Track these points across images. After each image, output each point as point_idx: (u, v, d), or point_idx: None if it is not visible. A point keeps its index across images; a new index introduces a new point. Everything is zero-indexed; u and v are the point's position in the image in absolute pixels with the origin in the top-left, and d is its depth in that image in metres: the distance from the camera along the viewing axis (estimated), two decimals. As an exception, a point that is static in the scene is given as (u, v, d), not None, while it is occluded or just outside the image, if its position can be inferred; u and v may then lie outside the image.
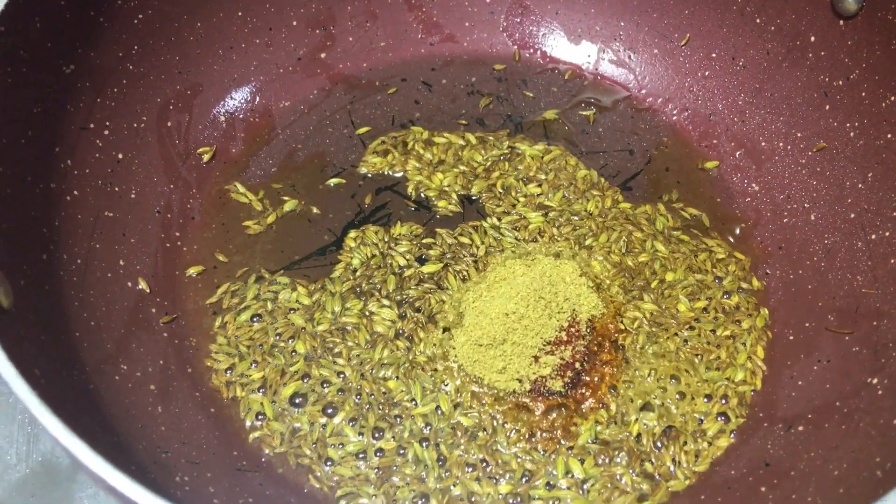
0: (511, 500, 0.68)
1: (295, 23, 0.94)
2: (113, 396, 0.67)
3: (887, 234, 0.73)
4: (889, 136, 0.74)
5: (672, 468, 0.70)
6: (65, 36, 0.74)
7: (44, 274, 0.68)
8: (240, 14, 0.90)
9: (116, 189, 0.79)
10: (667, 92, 0.94)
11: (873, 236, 0.75)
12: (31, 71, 0.70)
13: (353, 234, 0.83)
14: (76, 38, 0.76)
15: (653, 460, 0.70)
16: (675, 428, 0.72)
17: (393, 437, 0.71)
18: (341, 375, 0.74)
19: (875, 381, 0.67)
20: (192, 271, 0.80)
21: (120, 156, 0.80)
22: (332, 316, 0.78)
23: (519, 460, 0.70)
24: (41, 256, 0.69)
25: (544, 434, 0.72)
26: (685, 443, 0.71)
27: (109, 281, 0.75)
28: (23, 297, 0.62)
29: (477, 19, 0.99)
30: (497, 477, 0.70)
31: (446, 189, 0.86)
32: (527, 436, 0.71)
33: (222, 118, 0.89)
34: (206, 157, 0.87)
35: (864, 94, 0.76)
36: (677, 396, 0.73)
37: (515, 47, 0.99)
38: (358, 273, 0.80)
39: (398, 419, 0.72)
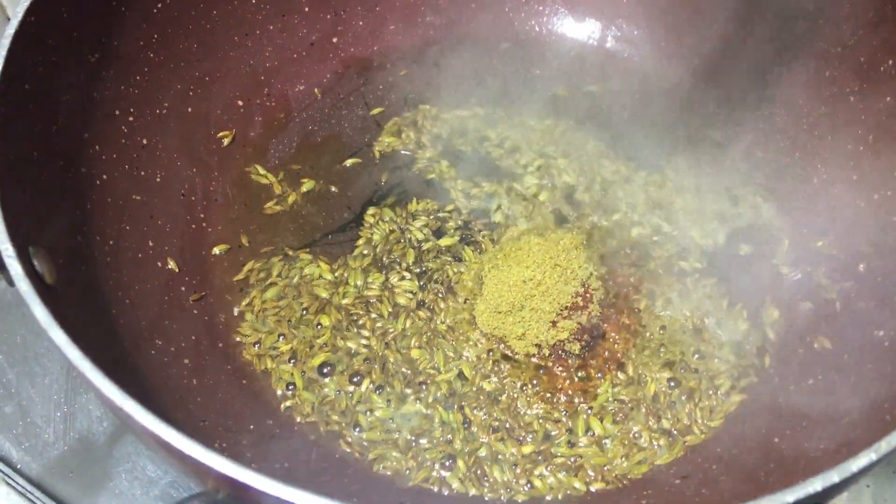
0: (535, 459, 0.71)
1: (307, 8, 0.96)
2: (151, 370, 0.70)
3: None
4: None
5: (688, 424, 0.73)
6: (89, 25, 0.76)
7: (80, 255, 0.71)
8: (253, 1, 0.92)
9: (143, 173, 0.81)
10: (671, 67, 0.97)
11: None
12: (60, 60, 0.73)
13: (371, 211, 0.86)
14: (99, 27, 0.78)
15: (669, 417, 0.73)
16: (689, 385, 0.75)
17: (419, 402, 0.74)
18: (366, 346, 0.77)
19: (881, 333, 0.70)
20: (218, 250, 0.83)
21: (144, 141, 0.82)
22: (355, 289, 0.80)
23: (540, 421, 0.73)
24: (77, 238, 0.72)
25: (564, 396, 0.74)
26: (699, 399, 0.74)
27: (140, 262, 0.77)
28: (63, 276, 0.65)
29: (482, 0, 1.01)
30: (521, 438, 0.72)
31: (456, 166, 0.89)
32: (547, 398, 0.74)
33: (240, 103, 0.92)
34: (226, 141, 0.89)
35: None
36: (695, 356, 0.76)
37: (521, 26, 1.01)
38: (378, 248, 0.83)
39: (423, 386, 0.75)
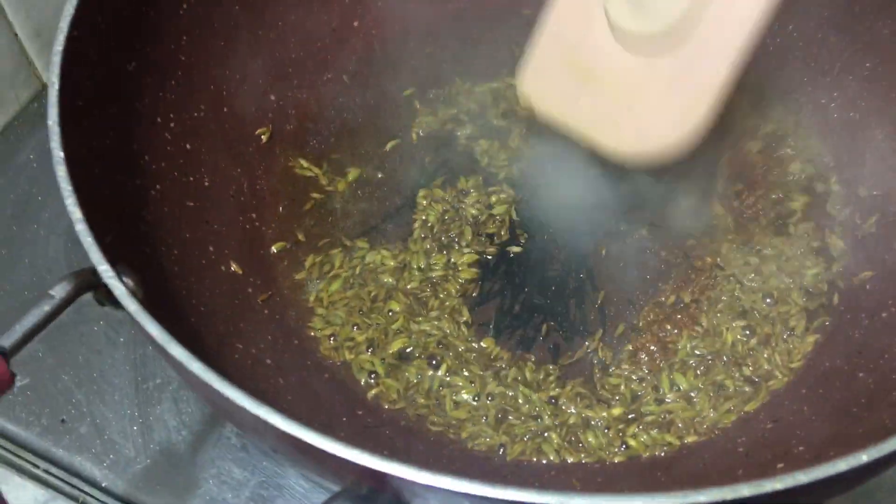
0: (626, 419, 0.72)
1: (325, -7, 0.95)
2: (238, 374, 0.70)
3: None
4: None
5: (769, 368, 0.74)
6: (125, 33, 0.75)
7: (150, 268, 0.70)
8: (273, -8, 0.91)
9: (192, 178, 0.81)
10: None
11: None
12: (103, 72, 0.72)
13: (422, 192, 0.86)
14: (133, 34, 0.77)
15: (749, 364, 0.74)
16: (765, 332, 0.76)
17: (500, 384, 0.74)
18: (439, 328, 0.77)
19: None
20: (276, 248, 0.83)
21: (188, 146, 0.81)
22: (419, 272, 0.80)
23: (626, 383, 0.74)
24: (145, 250, 0.71)
25: (644, 356, 0.75)
26: (776, 343, 0.75)
27: (205, 267, 0.77)
28: (145, 291, 0.64)
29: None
30: (608, 401, 0.73)
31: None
32: (628, 359, 0.75)
33: (272, 97, 0.91)
34: (264, 138, 0.88)
35: None
36: (765, 303, 0.77)
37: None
38: (435, 229, 0.83)
39: (501, 368, 0.75)
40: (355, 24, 0.97)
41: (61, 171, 0.58)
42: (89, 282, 0.57)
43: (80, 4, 0.68)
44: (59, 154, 0.59)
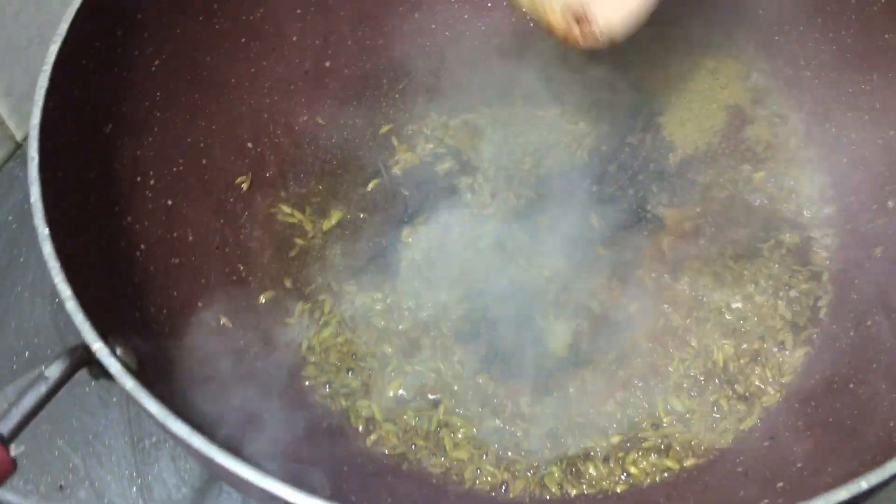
0: (625, 447, 0.73)
1: (295, 38, 0.95)
2: (236, 435, 0.69)
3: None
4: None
5: (760, 385, 0.75)
6: (99, 96, 0.75)
7: (142, 331, 0.70)
8: (243, 41, 0.91)
9: (175, 234, 0.81)
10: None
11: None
12: (81, 139, 0.71)
13: (406, 231, 0.86)
14: (107, 96, 0.76)
15: (741, 381, 0.75)
16: (754, 348, 0.77)
17: (498, 419, 0.75)
18: (434, 369, 0.77)
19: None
20: (264, 298, 0.83)
21: (170, 202, 0.81)
22: (409, 313, 0.81)
23: (622, 410, 0.75)
24: (135, 315, 0.71)
25: (637, 381, 0.76)
26: (766, 359, 0.76)
27: (195, 324, 0.77)
28: (139, 360, 0.64)
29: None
30: (606, 430, 0.74)
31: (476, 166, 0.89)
32: (622, 386, 0.76)
33: (250, 145, 0.91)
34: (245, 186, 0.88)
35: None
36: (753, 319, 0.78)
37: (510, 17, 1.02)
38: (422, 267, 0.83)
39: (498, 403, 0.76)
40: (327, 64, 0.98)
41: (48, 249, 0.58)
42: (84, 359, 0.57)
43: (53, 75, 0.68)
44: (44, 231, 0.59)
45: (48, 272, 0.90)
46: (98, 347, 0.54)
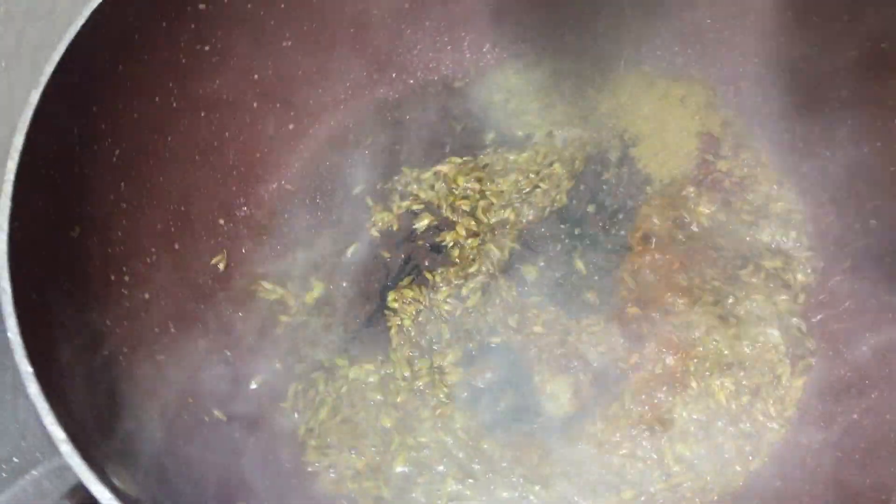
0: (637, 501, 0.73)
1: (255, 104, 0.93)
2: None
3: None
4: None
5: (764, 421, 0.75)
6: (64, 201, 0.72)
7: (136, 444, 0.68)
8: (202, 115, 0.89)
9: (156, 329, 0.78)
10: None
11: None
12: (51, 252, 0.69)
13: (392, 295, 0.85)
14: (71, 198, 0.74)
15: (745, 420, 0.75)
16: (754, 383, 0.77)
17: (508, 487, 0.74)
18: (436, 440, 0.76)
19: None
20: (255, 383, 0.81)
21: (146, 295, 0.79)
22: (405, 382, 0.79)
23: (630, 462, 0.74)
24: (127, 426, 0.69)
25: (644, 429, 0.76)
26: (767, 394, 0.76)
27: (188, 422, 0.75)
28: (137, 478, 0.62)
29: (422, 44, 1.00)
30: (617, 486, 0.74)
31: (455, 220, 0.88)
32: (628, 438, 0.75)
33: (221, 221, 0.89)
34: (221, 266, 0.86)
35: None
36: (749, 351, 0.78)
37: (467, 61, 1.00)
38: (412, 333, 0.82)
39: (505, 468, 0.75)
40: (290, 126, 0.96)
41: (33, 389, 0.56)
42: (86, 500, 0.55)
43: (15, 193, 0.65)
44: (27, 369, 0.56)
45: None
46: (98, 490, 0.52)
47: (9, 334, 0.59)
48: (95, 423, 0.63)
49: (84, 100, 0.75)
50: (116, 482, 0.58)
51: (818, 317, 0.80)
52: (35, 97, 0.69)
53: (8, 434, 0.89)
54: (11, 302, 0.60)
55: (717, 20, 0.91)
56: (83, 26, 0.73)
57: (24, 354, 0.57)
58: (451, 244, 0.87)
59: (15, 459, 0.88)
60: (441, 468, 0.75)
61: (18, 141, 0.67)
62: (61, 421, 0.56)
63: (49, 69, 0.71)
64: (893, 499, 0.60)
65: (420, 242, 0.88)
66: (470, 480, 0.74)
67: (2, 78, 0.98)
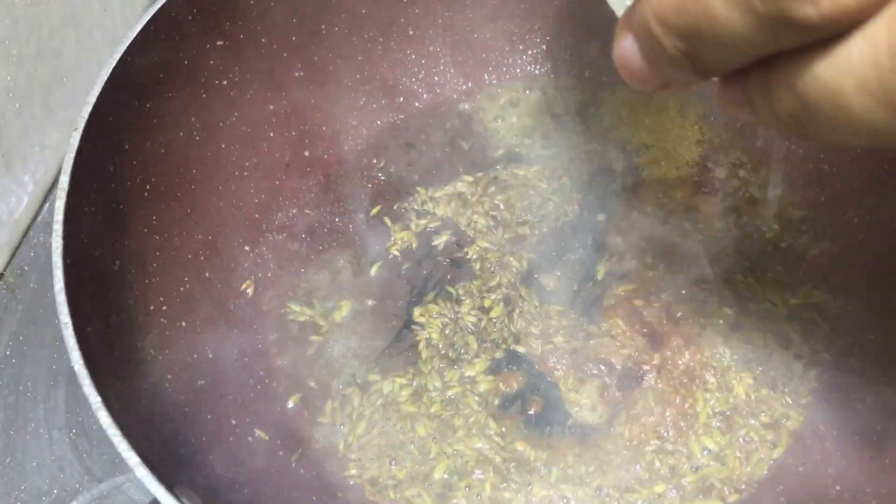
0: (668, 495, 0.76)
1: (272, 133, 0.96)
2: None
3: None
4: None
5: (783, 409, 0.79)
6: (104, 236, 0.75)
7: (192, 463, 0.71)
8: (223, 146, 0.92)
9: (195, 356, 0.81)
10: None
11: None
12: (96, 285, 0.72)
13: (417, 311, 0.88)
14: (110, 233, 0.77)
15: (765, 410, 0.79)
16: (771, 375, 0.81)
17: (544, 486, 0.77)
18: (472, 447, 0.80)
19: None
20: (292, 402, 0.84)
21: (183, 323, 0.82)
22: (437, 393, 0.83)
23: (659, 458, 0.78)
24: (180, 451, 0.71)
25: (670, 426, 0.79)
26: (784, 385, 0.80)
27: (233, 444, 0.78)
28: (201, 496, 0.65)
29: (426, 69, 1.03)
30: (648, 480, 0.77)
31: (470, 234, 0.92)
32: (654, 434, 0.79)
33: (247, 248, 0.92)
34: (250, 292, 0.89)
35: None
36: (764, 346, 0.82)
37: (471, 80, 1.04)
38: (441, 345, 0.85)
39: (542, 467, 0.78)
40: (306, 153, 0.99)
41: (104, 418, 0.59)
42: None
43: (65, 231, 0.68)
44: (97, 400, 0.59)
45: (58, 403, 0.91)
46: (174, 508, 0.55)
47: (74, 366, 0.61)
48: (155, 446, 0.65)
49: (118, 138, 0.78)
50: (184, 501, 0.61)
51: (830, 307, 0.84)
52: (76, 138, 0.72)
53: (46, 467, 0.91)
54: (74, 336, 0.62)
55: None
56: (114, 68, 0.76)
57: (91, 385, 0.60)
58: (471, 259, 0.90)
59: (55, 492, 0.90)
60: (479, 473, 0.78)
61: (64, 181, 0.70)
62: (132, 445, 0.58)
63: (86, 111, 0.74)
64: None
65: (440, 259, 0.91)
66: (508, 483, 0.77)
67: (17, 119, 1.00)
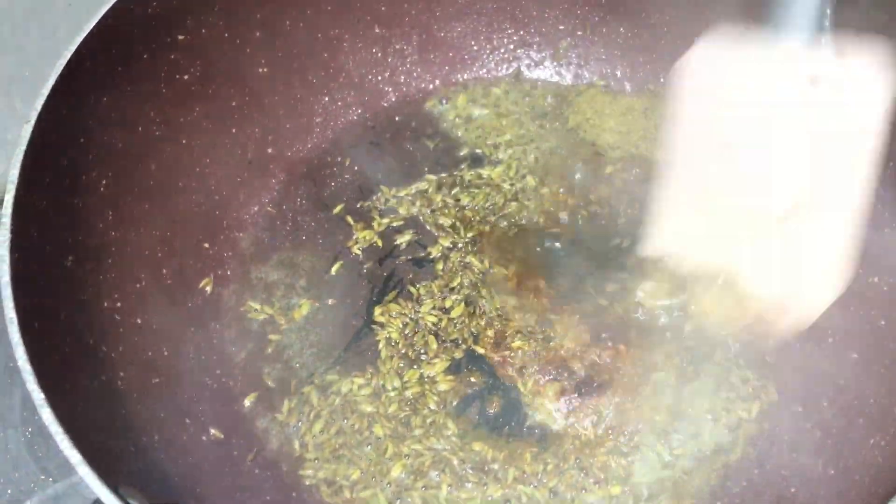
0: (624, 494, 0.76)
1: (234, 130, 0.95)
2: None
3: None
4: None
5: (743, 414, 0.79)
6: (57, 231, 0.74)
7: (141, 464, 0.70)
8: (183, 142, 0.91)
9: (150, 353, 0.80)
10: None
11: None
12: (47, 279, 0.71)
13: (378, 310, 0.88)
14: (64, 228, 0.76)
15: (723, 415, 0.79)
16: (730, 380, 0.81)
17: (500, 485, 0.77)
18: (428, 447, 0.79)
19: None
20: (249, 402, 0.83)
21: (138, 321, 0.81)
22: (395, 393, 0.82)
23: (614, 459, 0.78)
24: (130, 449, 0.70)
25: (626, 432, 0.79)
26: (737, 389, 0.80)
27: (187, 443, 0.77)
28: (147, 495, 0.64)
29: (392, 68, 1.03)
30: (604, 480, 0.77)
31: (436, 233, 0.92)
32: (609, 436, 0.79)
33: (206, 245, 0.91)
34: (209, 289, 0.88)
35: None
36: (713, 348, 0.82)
37: (437, 81, 1.04)
38: (400, 345, 0.85)
39: (498, 467, 0.78)
40: (269, 150, 0.98)
41: (47, 415, 0.58)
42: (103, 520, 0.56)
43: (13, 224, 0.67)
44: (39, 396, 0.58)
45: (15, 403, 0.89)
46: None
47: (19, 363, 0.60)
48: (102, 445, 0.64)
49: (72, 132, 0.77)
50: (131, 501, 0.60)
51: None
52: (27, 131, 0.71)
53: (2, 467, 0.90)
54: (19, 332, 0.61)
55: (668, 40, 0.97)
56: (69, 60, 0.75)
57: (35, 382, 0.59)
58: (434, 258, 0.90)
59: (9, 491, 0.88)
60: (436, 473, 0.78)
61: (14, 174, 0.69)
62: (76, 444, 0.57)
63: (39, 103, 0.73)
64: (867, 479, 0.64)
65: (402, 258, 0.91)
66: (464, 484, 0.77)
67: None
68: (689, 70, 0.68)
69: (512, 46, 1.04)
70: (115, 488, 0.58)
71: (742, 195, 0.70)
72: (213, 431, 0.79)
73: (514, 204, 0.93)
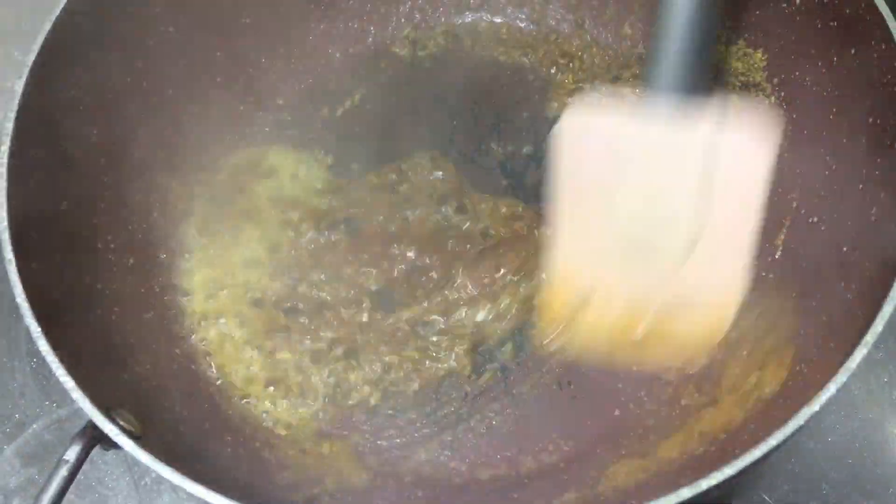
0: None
1: (219, 79, 1.00)
2: (250, 472, 0.78)
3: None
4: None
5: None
6: (51, 177, 0.80)
7: (134, 386, 0.77)
8: (170, 92, 0.96)
9: (142, 290, 0.88)
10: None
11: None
12: (41, 224, 0.77)
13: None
14: (57, 175, 0.81)
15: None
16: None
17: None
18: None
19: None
20: (235, 334, 0.90)
21: (131, 260, 0.87)
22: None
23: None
24: (123, 376, 0.78)
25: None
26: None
27: (178, 371, 0.84)
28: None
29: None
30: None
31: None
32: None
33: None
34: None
35: None
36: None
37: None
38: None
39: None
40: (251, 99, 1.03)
41: (44, 346, 0.65)
42: (95, 437, 0.63)
43: (9, 174, 0.73)
44: (36, 329, 0.65)
45: (20, 334, 0.96)
46: (110, 430, 0.61)
47: (17, 300, 0.67)
48: (96, 372, 0.71)
49: (63, 85, 0.82)
50: (122, 423, 0.67)
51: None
52: (20, 86, 0.76)
53: (7, 395, 0.97)
54: (16, 271, 0.68)
55: None
56: (58, 16, 0.80)
57: (31, 316, 0.66)
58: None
59: (16, 416, 0.96)
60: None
61: (9, 127, 0.75)
62: (70, 372, 0.64)
63: (30, 59, 0.78)
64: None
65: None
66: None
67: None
68: (565, 135, 0.67)
69: None
70: (107, 411, 0.65)
71: (637, 241, 0.70)
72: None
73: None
